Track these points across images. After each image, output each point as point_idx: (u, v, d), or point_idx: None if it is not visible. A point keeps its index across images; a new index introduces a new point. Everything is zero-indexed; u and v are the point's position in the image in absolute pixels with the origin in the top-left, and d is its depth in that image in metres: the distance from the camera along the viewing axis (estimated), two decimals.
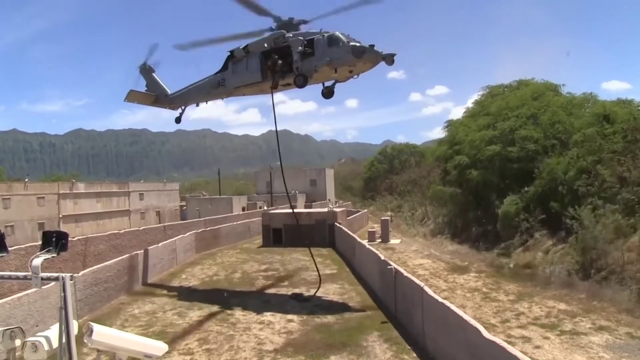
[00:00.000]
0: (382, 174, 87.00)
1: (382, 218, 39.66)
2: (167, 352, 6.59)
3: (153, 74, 22.76)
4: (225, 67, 19.81)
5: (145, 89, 22.71)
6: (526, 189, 26.02)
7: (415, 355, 11.80)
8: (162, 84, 22.78)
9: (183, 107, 22.38)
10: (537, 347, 12.46)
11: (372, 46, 16.00)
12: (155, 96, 22.55)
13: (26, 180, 53.71)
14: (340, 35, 16.58)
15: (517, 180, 27.33)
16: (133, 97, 22.05)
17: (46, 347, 4.49)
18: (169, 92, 22.48)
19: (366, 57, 16.08)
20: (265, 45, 18.04)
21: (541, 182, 25.06)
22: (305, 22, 18.01)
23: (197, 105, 22.09)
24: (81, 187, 56.50)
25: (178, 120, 22.72)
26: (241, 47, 18.86)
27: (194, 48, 20.11)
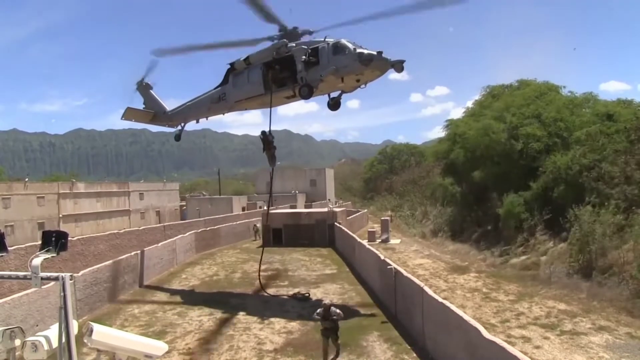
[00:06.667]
0: (382, 174, 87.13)
1: (382, 218, 39.66)
2: (167, 352, 6.60)
3: (151, 91, 22.23)
4: (225, 80, 19.11)
5: (143, 106, 22.22)
6: (531, 185, 25.98)
7: (415, 355, 11.79)
8: (161, 101, 22.25)
9: (182, 124, 21.82)
10: (537, 347, 12.46)
11: (380, 53, 15.10)
12: (154, 113, 22.03)
13: (26, 180, 53.71)
14: (346, 43, 15.76)
15: (519, 179, 27.32)
16: (130, 114, 21.48)
17: (46, 347, 4.50)
18: (168, 108, 21.94)
19: (374, 64, 15.18)
20: (268, 55, 17.34)
21: (545, 179, 25.04)
22: (310, 32, 17.16)
23: (197, 121, 21.46)
24: (81, 187, 56.50)
25: (177, 137, 22.17)
26: (242, 59, 18.06)
27: (176, 54, 18.94)
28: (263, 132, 18.17)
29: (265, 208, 44.17)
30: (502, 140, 28.53)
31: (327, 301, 11.63)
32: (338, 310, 11.49)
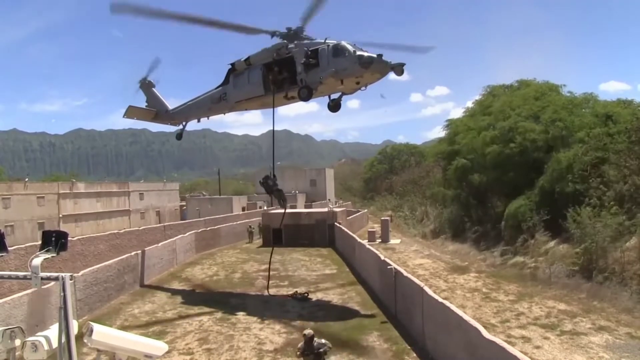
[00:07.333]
0: (382, 174, 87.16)
1: (382, 218, 39.66)
2: (167, 352, 6.59)
3: (153, 89, 22.28)
4: (226, 80, 19.13)
5: (146, 104, 22.29)
6: (532, 185, 25.97)
7: (415, 355, 11.79)
8: (163, 100, 22.30)
9: (184, 123, 21.93)
10: (537, 347, 12.46)
11: (380, 56, 15.02)
12: (156, 112, 22.10)
13: (26, 180, 53.69)
14: (346, 45, 15.69)
15: (519, 179, 27.30)
16: (132, 113, 21.54)
17: (46, 347, 4.49)
18: (169, 107, 22.01)
19: (374, 67, 15.13)
20: (268, 56, 17.31)
21: (546, 178, 25.00)
22: (301, 28, 16.93)
23: (198, 121, 21.52)
24: (81, 187, 56.46)
25: (179, 137, 22.28)
26: (242, 59, 18.15)
27: (140, 14, 15.96)
28: (265, 177, 17.83)
29: (265, 208, 44.21)
30: (497, 148, 28.48)
31: (307, 331, 9.40)
32: (324, 341, 9.41)
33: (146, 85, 22.26)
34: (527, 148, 27.00)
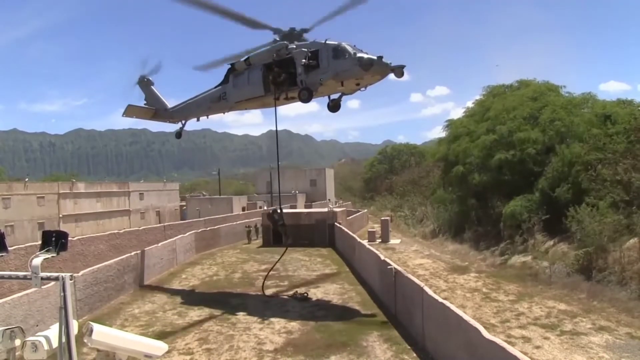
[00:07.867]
0: (382, 174, 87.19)
1: (382, 218, 39.66)
2: (167, 352, 6.59)
3: (152, 87, 22.25)
4: (226, 80, 19.12)
5: (144, 102, 22.25)
6: (533, 185, 25.98)
7: (415, 355, 11.79)
8: (162, 98, 22.28)
9: (183, 122, 21.92)
10: (537, 347, 12.45)
11: (380, 57, 15.03)
12: (155, 110, 22.07)
13: (26, 180, 53.74)
14: (346, 46, 15.69)
15: (520, 180, 27.29)
16: (131, 111, 21.51)
17: (46, 347, 4.49)
18: (169, 105, 22.00)
19: (374, 69, 15.13)
20: (268, 57, 17.29)
21: (547, 179, 24.97)
22: (306, 30, 17.12)
23: (198, 119, 21.51)
24: (81, 187, 56.49)
25: (178, 135, 22.29)
26: (242, 60, 18.09)
27: (211, 68, 19.57)
28: (273, 211, 18.62)
29: (265, 208, 44.27)
30: (501, 156, 28.47)
31: None
32: None
33: (145, 83, 22.20)
34: (526, 160, 27.08)
